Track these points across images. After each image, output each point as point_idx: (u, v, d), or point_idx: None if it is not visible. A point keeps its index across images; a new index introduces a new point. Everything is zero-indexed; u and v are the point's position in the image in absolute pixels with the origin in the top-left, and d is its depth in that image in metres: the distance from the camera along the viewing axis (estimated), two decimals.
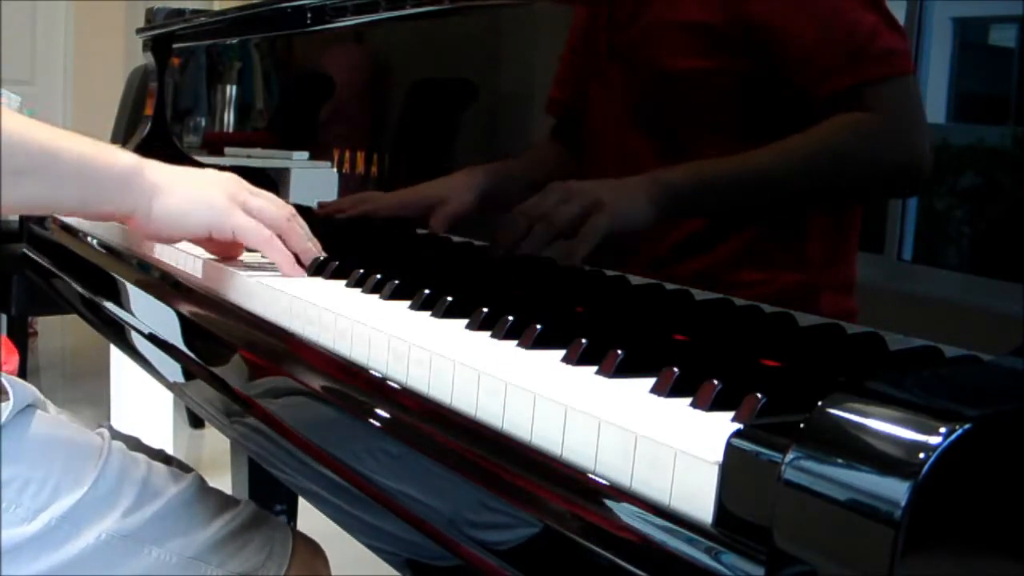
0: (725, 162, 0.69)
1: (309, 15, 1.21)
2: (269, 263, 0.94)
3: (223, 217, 0.85)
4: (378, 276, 0.82)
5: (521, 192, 0.82)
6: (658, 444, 0.45)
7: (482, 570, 0.51)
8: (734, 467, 0.42)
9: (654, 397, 0.53)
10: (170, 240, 0.92)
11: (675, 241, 0.72)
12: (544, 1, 0.87)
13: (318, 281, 0.86)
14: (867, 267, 0.59)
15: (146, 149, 1.63)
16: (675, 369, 0.53)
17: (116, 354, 2.13)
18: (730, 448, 0.42)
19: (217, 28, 1.50)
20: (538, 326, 0.63)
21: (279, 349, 0.75)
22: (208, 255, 0.96)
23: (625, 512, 0.45)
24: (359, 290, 0.82)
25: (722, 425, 0.47)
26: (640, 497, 0.45)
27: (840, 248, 0.61)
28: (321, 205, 1.14)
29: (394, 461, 0.59)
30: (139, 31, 1.71)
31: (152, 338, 0.96)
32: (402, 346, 0.63)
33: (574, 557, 0.46)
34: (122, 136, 2.96)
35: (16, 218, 2.18)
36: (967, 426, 0.35)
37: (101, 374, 2.39)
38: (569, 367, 0.59)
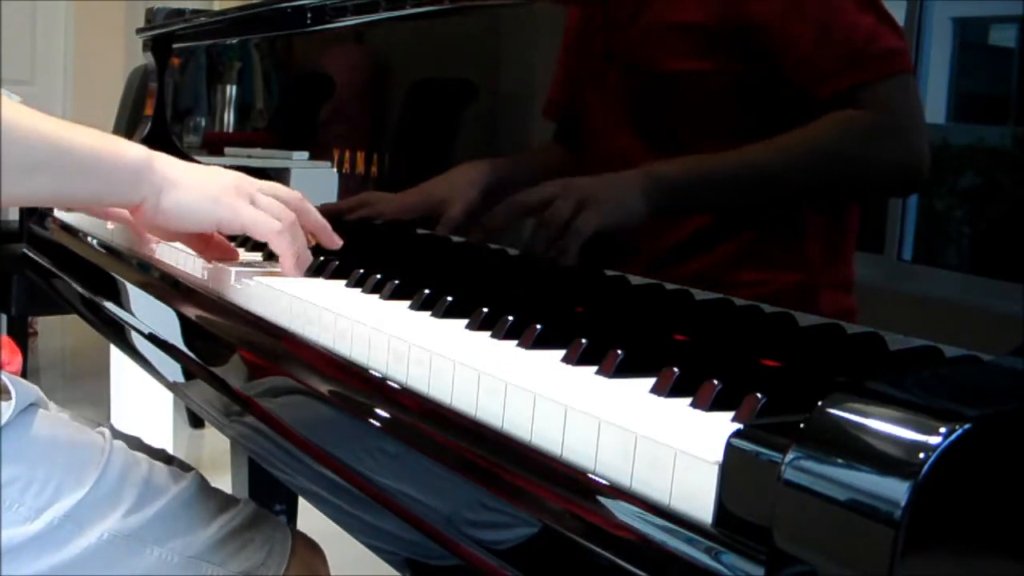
0: (720, 157, 0.69)
1: (309, 15, 1.21)
2: (269, 263, 0.94)
3: (232, 212, 0.85)
4: (378, 276, 0.82)
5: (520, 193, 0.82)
6: (658, 444, 0.45)
7: (482, 570, 0.51)
8: (734, 467, 0.42)
9: (654, 397, 0.53)
10: (178, 231, 0.91)
11: (675, 241, 0.72)
12: (544, 1, 0.87)
13: (318, 281, 0.86)
14: (867, 267, 0.59)
15: None
16: (675, 369, 0.53)
17: (116, 354, 2.13)
18: (730, 448, 0.42)
19: (217, 28, 1.50)
20: (538, 326, 0.63)
21: (279, 349, 0.75)
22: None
23: (625, 512, 0.45)
24: (359, 290, 0.82)
25: (722, 425, 0.47)
26: (640, 497, 0.45)
27: (839, 248, 0.61)
28: (324, 206, 1.14)
29: (394, 461, 0.59)
30: (139, 31, 1.71)
31: (152, 338, 0.96)
32: (402, 346, 0.63)
33: (574, 557, 0.46)
34: (122, 136, 2.95)
35: (16, 218, 2.17)
36: (967, 426, 0.35)
37: (101, 374, 2.40)
38: (569, 367, 0.59)
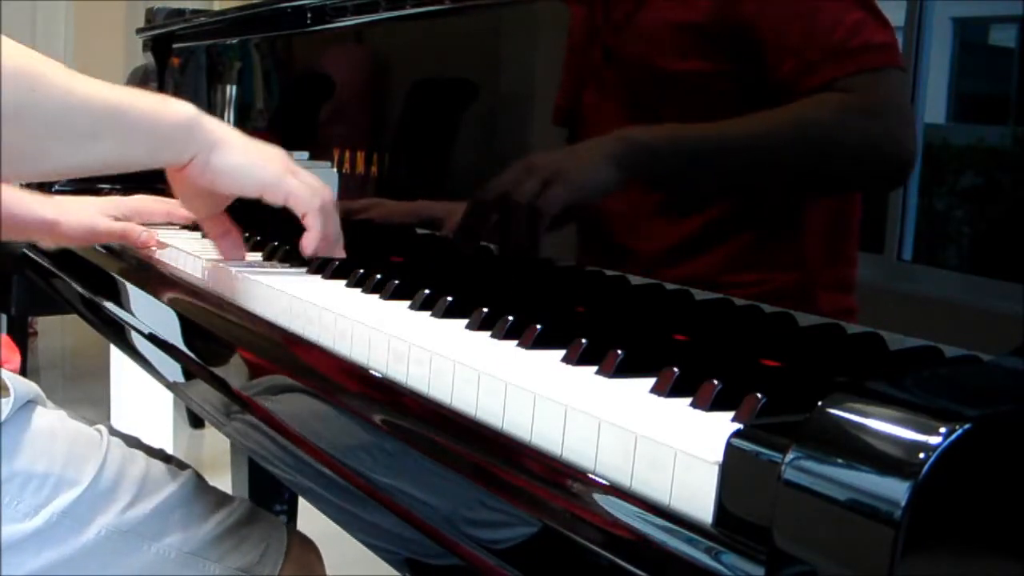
0: (696, 127, 0.70)
1: (309, 15, 1.21)
2: (269, 263, 0.94)
3: (278, 180, 0.84)
4: (378, 276, 0.82)
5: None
6: (658, 444, 0.45)
7: (481, 569, 0.51)
8: (734, 467, 0.42)
9: (654, 397, 0.53)
10: (222, 192, 0.88)
11: (674, 241, 0.72)
12: (544, 1, 0.87)
13: (318, 281, 0.86)
14: (867, 267, 0.59)
15: None
16: (675, 369, 0.53)
17: (116, 354, 2.13)
18: (730, 448, 0.42)
19: (217, 28, 1.50)
20: (538, 326, 0.63)
21: (279, 349, 0.75)
22: (207, 256, 0.96)
23: (625, 512, 0.45)
24: (359, 290, 0.82)
25: (722, 425, 0.47)
26: (640, 497, 0.45)
27: (839, 248, 0.61)
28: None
29: (394, 460, 0.59)
30: (139, 31, 1.71)
31: (152, 338, 0.96)
32: (402, 346, 0.63)
33: (574, 557, 0.46)
34: None
35: None
36: (967, 426, 0.35)
37: (101, 374, 2.39)
38: (569, 367, 0.59)
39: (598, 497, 0.47)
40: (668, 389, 0.53)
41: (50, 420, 0.84)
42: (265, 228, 1.01)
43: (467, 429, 0.56)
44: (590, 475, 0.48)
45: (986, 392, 0.42)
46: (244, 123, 1.50)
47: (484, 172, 0.94)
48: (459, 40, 0.99)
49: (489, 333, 0.66)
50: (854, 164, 0.60)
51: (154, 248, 1.07)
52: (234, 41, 1.46)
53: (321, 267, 0.89)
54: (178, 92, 1.64)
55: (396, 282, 0.79)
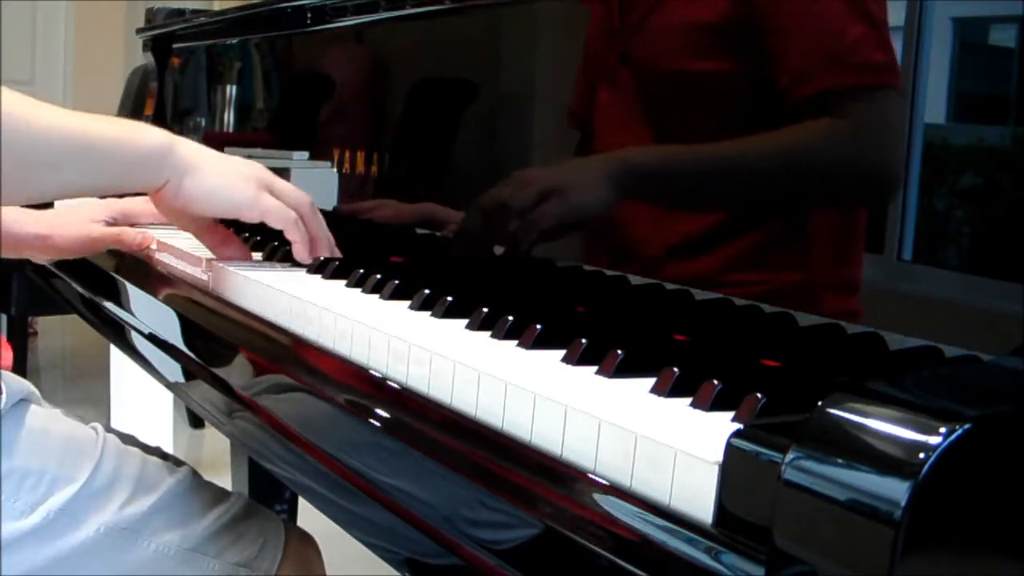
0: (691, 148, 0.70)
1: (309, 15, 1.21)
2: (269, 263, 0.94)
3: (252, 200, 0.86)
4: (378, 276, 0.82)
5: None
6: (658, 444, 0.45)
7: (481, 569, 0.51)
8: (734, 467, 0.42)
9: (654, 397, 0.53)
10: (198, 215, 0.90)
11: (674, 242, 0.72)
12: (544, 1, 0.87)
13: (318, 281, 0.86)
14: (867, 267, 0.59)
15: None
16: (675, 369, 0.53)
17: (116, 354, 2.13)
18: (730, 448, 0.42)
19: (217, 28, 1.50)
20: (538, 326, 0.63)
21: (279, 349, 0.75)
22: (207, 256, 0.96)
23: (625, 512, 0.45)
24: (359, 290, 0.82)
25: (722, 425, 0.47)
26: (640, 497, 0.45)
27: (839, 248, 0.61)
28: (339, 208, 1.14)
29: (394, 460, 0.59)
30: (139, 31, 1.71)
31: (152, 338, 0.96)
32: (402, 346, 0.63)
33: (574, 557, 0.46)
34: None
35: None
36: (967, 426, 0.35)
37: (101, 374, 2.40)
38: (569, 367, 0.59)
39: (598, 497, 0.47)
40: (668, 389, 0.53)
41: (44, 418, 0.84)
42: (266, 228, 1.01)
43: (467, 429, 0.56)
44: (590, 475, 0.48)
45: (986, 392, 0.42)
46: (244, 123, 1.50)
47: (484, 172, 0.94)
48: (459, 40, 0.99)
49: (489, 333, 0.66)
50: (840, 184, 0.61)
51: (153, 248, 1.07)
52: (234, 41, 1.46)
53: (321, 267, 0.89)
54: (178, 92, 1.64)
55: (396, 282, 0.79)
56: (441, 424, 0.57)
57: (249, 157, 1.41)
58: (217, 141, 1.54)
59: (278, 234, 0.92)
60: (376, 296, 0.80)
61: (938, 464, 0.34)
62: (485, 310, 0.68)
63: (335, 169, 1.14)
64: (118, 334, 1.09)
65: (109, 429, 0.91)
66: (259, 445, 0.77)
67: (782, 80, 0.64)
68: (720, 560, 0.40)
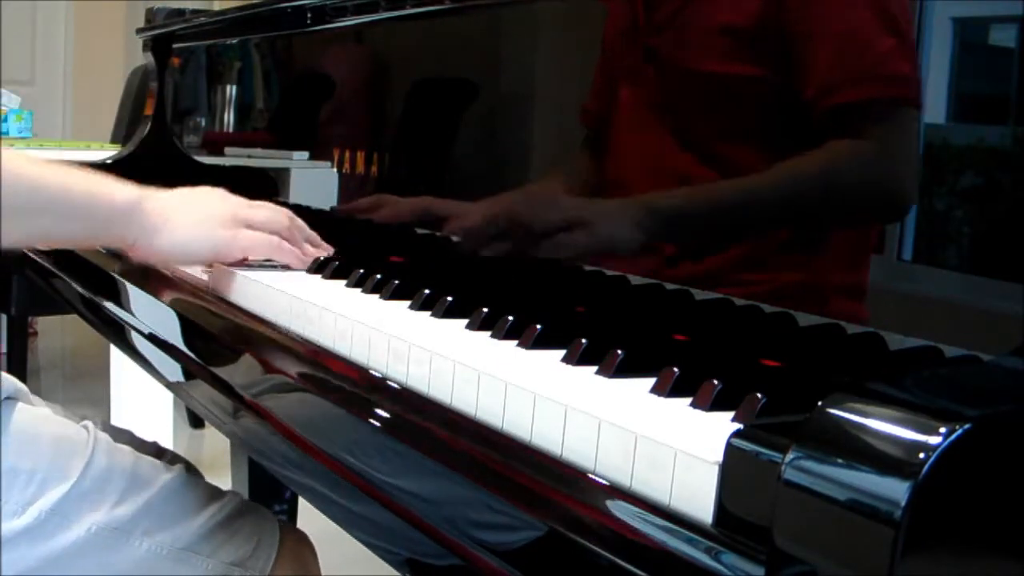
0: (713, 189, 0.71)
1: (309, 15, 1.21)
2: (268, 263, 0.94)
3: (227, 245, 0.88)
4: (378, 276, 0.82)
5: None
6: (658, 444, 0.45)
7: (481, 569, 0.51)
8: (734, 467, 0.42)
9: (654, 397, 0.53)
10: (175, 267, 0.94)
11: (674, 253, 0.72)
12: (544, 1, 0.87)
13: (318, 281, 0.86)
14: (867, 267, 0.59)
15: (146, 149, 1.63)
16: (675, 369, 0.53)
17: (116, 354, 2.13)
18: (730, 448, 0.42)
19: (217, 28, 1.50)
20: (538, 326, 0.63)
21: (279, 349, 0.75)
22: None
23: (625, 512, 0.45)
24: (359, 290, 0.82)
25: (722, 425, 0.47)
26: (640, 497, 0.45)
27: (850, 256, 0.61)
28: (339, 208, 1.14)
29: (394, 460, 0.59)
30: (139, 31, 1.71)
31: (152, 338, 0.96)
32: (402, 346, 0.63)
33: (574, 557, 0.46)
34: (122, 136, 2.96)
35: None
36: (967, 426, 0.35)
37: (101, 374, 2.39)
38: (569, 367, 0.59)
39: (598, 497, 0.47)
40: (668, 389, 0.53)
41: (33, 416, 0.83)
42: None
43: (467, 429, 0.56)
44: (590, 475, 0.48)
45: (986, 392, 0.42)
46: (244, 123, 1.50)
47: (484, 172, 0.94)
48: (459, 40, 0.99)
49: (489, 333, 0.66)
50: (861, 197, 0.61)
51: None
52: (234, 41, 1.46)
53: (321, 267, 0.89)
54: (178, 92, 1.64)
55: (396, 282, 0.79)
56: (441, 424, 0.57)
57: (249, 157, 1.41)
58: (217, 141, 1.54)
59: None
60: (376, 296, 0.80)
61: (938, 464, 0.34)
62: (485, 310, 0.68)
63: (335, 169, 1.14)
64: (118, 334, 1.09)
65: (106, 427, 0.91)
66: (259, 445, 0.77)
67: (808, 89, 0.63)
68: (720, 560, 0.40)
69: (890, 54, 0.59)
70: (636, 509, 0.45)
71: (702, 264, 0.70)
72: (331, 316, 0.71)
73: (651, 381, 0.54)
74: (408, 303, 0.76)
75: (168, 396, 2.12)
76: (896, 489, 0.34)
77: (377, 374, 0.65)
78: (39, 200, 0.77)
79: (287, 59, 1.37)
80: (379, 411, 0.61)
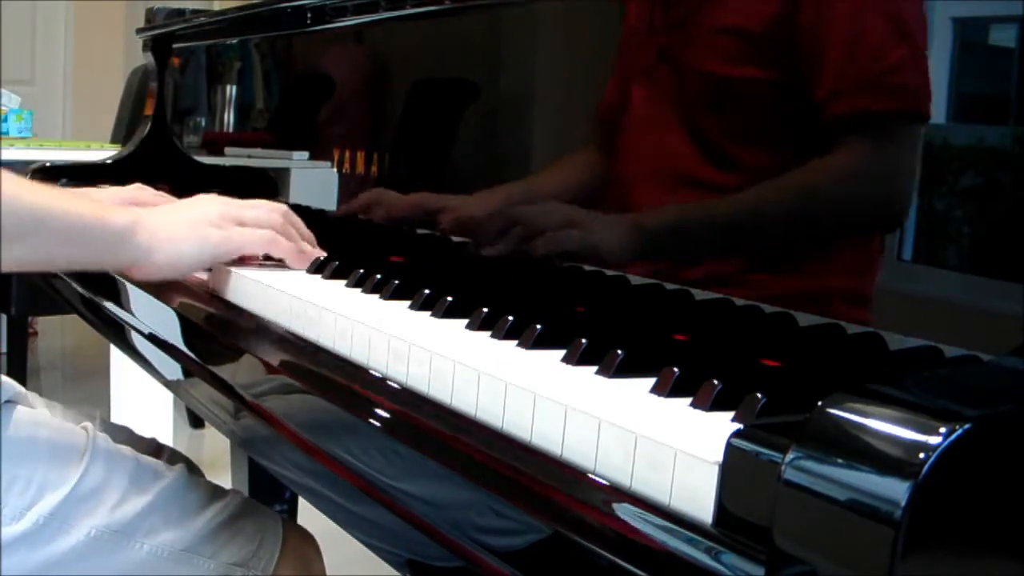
0: (705, 209, 0.71)
1: (309, 15, 1.21)
2: (269, 263, 0.94)
3: (223, 245, 0.88)
4: (378, 276, 0.82)
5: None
6: (658, 444, 0.45)
7: (482, 570, 0.51)
8: (734, 467, 0.42)
9: (654, 397, 0.53)
10: (182, 276, 0.93)
11: (679, 251, 0.72)
12: (544, 1, 0.87)
13: (318, 280, 0.86)
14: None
15: (146, 149, 1.63)
16: (675, 369, 0.53)
17: (116, 354, 2.13)
18: (730, 448, 0.42)
19: (217, 28, 1.50)
20: (538, 326, 0.63)
21: (279, 349, 0.75)
22: None
23: (625, 512, 0.45)
24: (359, 290, 0.82)
25: (722, 425, 0.47)
26: (640, 497, 0.45)
27: (841, 251, 0.61)
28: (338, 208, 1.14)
29: (394, 461, 0.59)
30: (139, 31, 1.71)
31: (152, 338, 0.96)
32: (402, 346, 0.63)
33: (574, 557, 0.46)
34: (122, 136, 2.96)
35: None
36: (967, 426, 0.35)
37: (101, 374, 2.40)
38: (569, 367, 0.59)
39: (598, 497, 0.47)
40: (668, 389, 0.53)
41: (31, 420, 0.83)
42: None
43: (467, 429, 0.56)
44: (590, 475, 0.48)
45: (986, 392, 0.42)
46: (244, 123, 1.50)
47: (484, 172, 0.94)
48: (459, 40, 0.99)
49: (489, 333, 0.66)
50: (860, 209, 0.61)
51: None
52: (234, 41, 1.46)
53: (321, 267, 0.89)
54: (178, 92, 1.64)
55: (396, 282, 0.79)
56: (441, 424, 0.57)
57: (249, 157, 1.41)
58: (217, 141, 1.54)
59: None
60: (376, 296, 0.80)
61: (938, 464, 0.34)
62: (485, 310, 0.68)
63: (335, 169, 1.14)
64: (118, 334, 1.09)
65: (104, 426, 0.90)
66: (259, 445, 0.77)
67: (817, 95, 0.63)
68: (720, 560, 0.40)
69: (900, 65, 0.59)
70: (636, 509, 0.45)
71: (701, 268, 0.70)
72: (331, 316, 0.71)
73: (651, 381, 0.54)
74: (408, 303, 0.76)
75: (168, 396, 2.12)
76: (896, 489, 0.34)
77: (377, 374, 0.65)
78: (38, 225, 0.77)
79: (287, 59, 1.37)
80: (379, 411, 0.61)
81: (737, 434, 0.42)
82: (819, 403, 0.38)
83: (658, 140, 0.75)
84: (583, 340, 0.60)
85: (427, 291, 0.74)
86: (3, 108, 3.26)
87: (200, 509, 0.87)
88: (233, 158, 1.47)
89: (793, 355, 0.60)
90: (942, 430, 0.35)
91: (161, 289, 0.97)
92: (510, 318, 0.66)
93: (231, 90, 1.51)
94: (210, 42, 1.54)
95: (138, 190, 1.10)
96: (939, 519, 0.35)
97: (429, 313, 0.72)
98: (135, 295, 1.01)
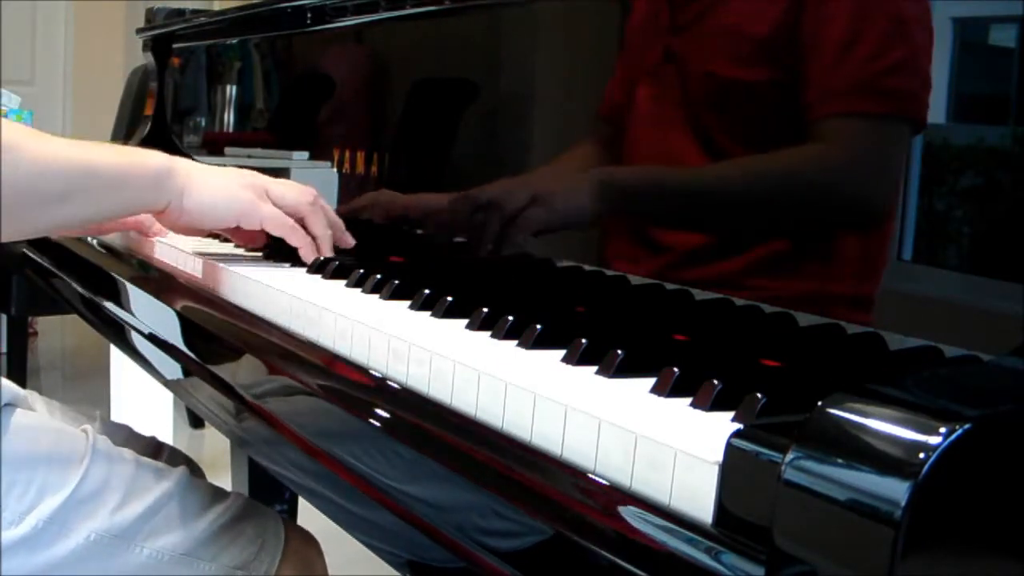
0: (675, 171, 0.72)
1: (309, 15, 1.21)
2: (269, 262, 0.95)
3: (251, 208, 0.90)
4: (378, 276, 0.82)
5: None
6: (658, 444, 0.45)
7: (482, 570, 0.51)
8: (734, 467, 0.42)
9: (654, 397, 0.53)
10: (201, 230, 0.96)
11: (681, 251, 0.72)
12: (544, 1, 0.87)
13: (318, 280, 0.86)
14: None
15: (146, 149, 1.63)
16: (675, 369, 0.53)
17: (116, 354, 2.13)
18: (730, 448, 0.42)
19: (217, 28, 1.50)
20: (538, 326, 0.63)
21: (279, 349, 0.75)
22: (207, 255, 0.96)
23: (625, 512, 0.45)
24: (359, 290, 0.82)
25: (722, 425, 0.47)
26: (640, 497, 0.45)
27: (841, 252, 0.61)
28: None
29: (394, 461, 0.59)
30: (139, 31, 1.71)
31: (152, 338, 0.96)
32: (402, 346, 0.63)
33: (574, 557, 0.46)
34: (122, 136, 2.96)
35: None
36: (967, 426, 0.35)
37: (101, 374, 2.40)
38: (569, 367, 0.59)
39: (598, 497, 0.47)
40: (668, 389, 0.53)
41: (31, 424, 0.82)
42: None
43: (467, 429, 0.56)
44: (590, 475, 0.48)
45: (986, 392, 0.42)
46: (244, 123, 1.50)
47: (484, 172, 0.94)
48: (459, 40, 0.99)
49: (489, 333, 0.66)
50: (828, 212, 0.62)
51: (155, 246, 1.07)
52: (234, 41, 1.46)
53: (321, 267, 0.89)
54: (178, 92, 1.64)
55: (396, 282, 0.79)
56: (441, 424, 0.57)
57: (249, 157, 1.41)
58: (217, 141, 1.54)
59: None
60: (376, 296, 0.80)
61: (938, 464, 0.34)
62: (485, 310, 0.68)
63: (335, 169, 1.14)
64: (118, 334, 1.09)
65: (104, 425, 0.90)
66: (259, 445, 0.77)
67: (809, 95, 0.63)
68: (720, 560, 0.40)
69: (895, 67, 0.59)
70: (636, 509, 0.45)
71: (700, 267, 0.70)
72: (331, 316, 0.71)
73: (651, 381, 0.54)
74: (408, 303, 0.76)
75: (168, 396, 2.12)
76: (896, 489, 0.34)
77: (377, 374, 0.65)
78: (64, 182, 0.79)
79: (287, 59, 1.37)
80: (379, 411, 0.61)
81: (737, 434, 0.42)
82: (819, 403, 0.38)
83: (661, 139, 0.75)
84: (583, 340, 0.60)
85: (427, 291, 0.74)
86: (3, 108, 3.26)
87: (201, 512, 0.86)
88: (233, 158, 1.47)
89: (793, 355, 0.60)
90: (942, 430, 0.35)
91: (161, 289, 0.97)
92: (510, 318, 0.66)
93: (231, 90, 1.51)
94: (210, 42, 1.54)
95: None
96: (939, 519, 0.35)
97: (429, 313, 0.72)
98: (135, 295, 1.01)
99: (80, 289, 1.22)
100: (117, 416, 2.14)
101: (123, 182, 0.84)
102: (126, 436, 0.98)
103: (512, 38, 0.93)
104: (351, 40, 1.20)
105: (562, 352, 0.60)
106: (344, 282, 0.85)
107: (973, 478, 0.36)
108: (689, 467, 0.44)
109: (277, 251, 0.97)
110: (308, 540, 0.96)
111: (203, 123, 1.59)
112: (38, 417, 0.86)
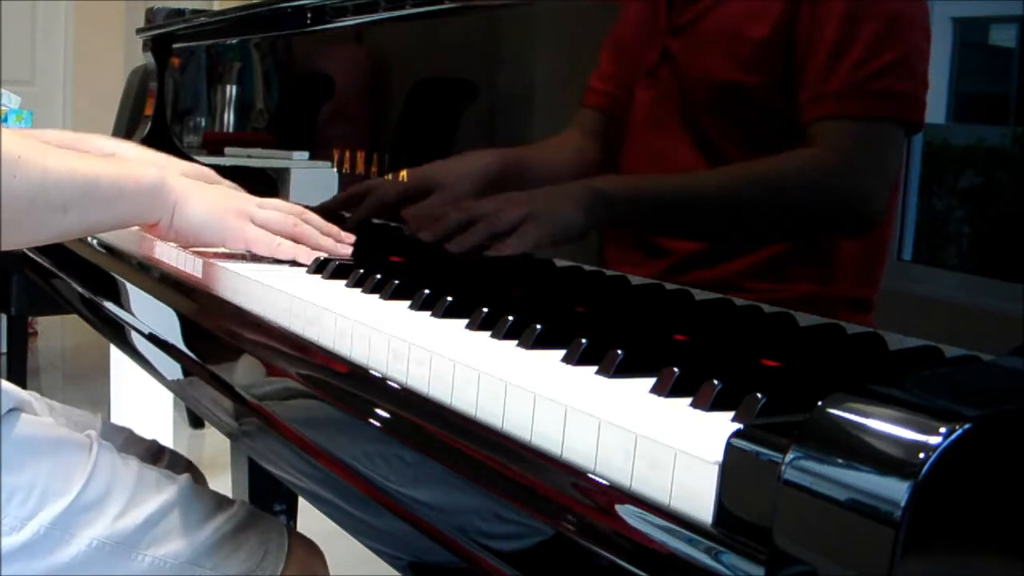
0: (667, 180, 0.73)
1: (309, 15, 1.21)
2: (269, 262, 0.95)
3: (235, 233, 0.92)
4: (378, 276, 0.82)
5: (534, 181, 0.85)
6: (658, 444, 0.45)
7: (481, 569, 0.51)
8: (734, 467, 0.42)
9: (654, 397, 0.53)
10: (189, 245, 0.98)
11: (681, 253, 0.72)
12: (544, 1, 0.87)
13: (318, 280, 0.86)
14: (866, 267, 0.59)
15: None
16: (675, 369, 0.53)
17: (116, 354, 2.13)
18: (730, 448, 0.42)
19: (217, 28, 1.50)
20: (538, 326, 0.63)
21: (279, 349, 0.75)
22: (207, 256, 0.96)
23: (625, 512, 0.45)
24: (359, 290, 0.82)
25: (722, 425, 0.47)
26: (640, 497, 0.45)
27: (840, 252, 0.61)
28: (323, 204, 1.14)
29: (394, 461, 0.59)
30: (139, 31, 1.71)
31: (152, 338, 0.96)
32: (402, 346, 0.63)
33: (574, 557, 0.46)
34: (122, 136, 2.96)
35: None
36: (967, 426, 0.35)
37: (101, 374, 2.40)
38: (569, 367, 0.59)
39: (598, 497, 0.47)
40: (668, 389, 0.53)
41: (34, 429, 0.82)
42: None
43: (467, 429, 0.56)
44: (590, 475, 0.48)
45: (986, 392, 0.42)
46: (244, 123, 1.50)
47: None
48: (459, 40, 0.99)
49: (489, 333, 0.66)
50: (824, 214, 0.62)
51: (155, 245, 1.07)
52: (234, 41, 1.46)
53: (321, 267, 0.89)
54: (178, 92, 1.64)
55: (396, 282, 0.79)
56: (441, 424, 0.57)
57: (249, 157, 1.41)
58: (217, 141, 1.54)
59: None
60: (376, 296, 0.80)
61: (938, 464, 0.34)
62: (485, 310, 0.68)
63: (335, 169, 1.14)
64: (118, 334, 1.09)
65: (106, 428, 0.90)
66: (259, 445, 0.77)
67: (804, 97, 0.63)
68: (720, 560, 0.40)
69: (889, 69, 0.59)
70: (636, 509, 0.45)
71: (699, 271, 0.70)
72: (331, 316, 0.71)
73: (651, 381, 0.54)
74: (408, 303, 0.76)
75: (168, 396, 2.12)
76: (896, 489, 0.34)
77: (377, 374, 0.65)
78: (86, 193, 0.82)
79: (287, 59, 1.37)
80: (379, 411, 0.61)
81: (737, 434, 0.42)
82: (819, 403, 0.38)
83: (658, 141, 0.75)
84: (583, 340, 0.60)
85: (427, 291, 0.74)
86: (3, 108, 3.26)
87: (205, 520, 0.86)
88: (233, 158, 1.47)
89: (793, 355, 0.60)
90: (942, 430, 0.35)
91: (161, 289, 0.97)
92: (510, 318, 0.66)
93: (231, 90, 1.51)
94: (210, 42, 1.54)
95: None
96: (939, 519, 0.35)
97: (429, 313, 0.72)
98: (135, 295, 1.01)
99: (80, 289, 1.22)
100: (117, 416, 2.14)
101: (121, 195, 0.86)
102: (126, 439, 0.98)
103: (512, 38, 0.93)
104: (351, 40, 1.20)
105: (562, 352, 0.60)
106: (344, 282, 0.85)
107: (973, 478, 0.36)
108: (689, 467, 0.44)
109: None
110: (312, 549, 0.96)
111: (203, 123, 1.59)
112: (42, 422, 0.85)
